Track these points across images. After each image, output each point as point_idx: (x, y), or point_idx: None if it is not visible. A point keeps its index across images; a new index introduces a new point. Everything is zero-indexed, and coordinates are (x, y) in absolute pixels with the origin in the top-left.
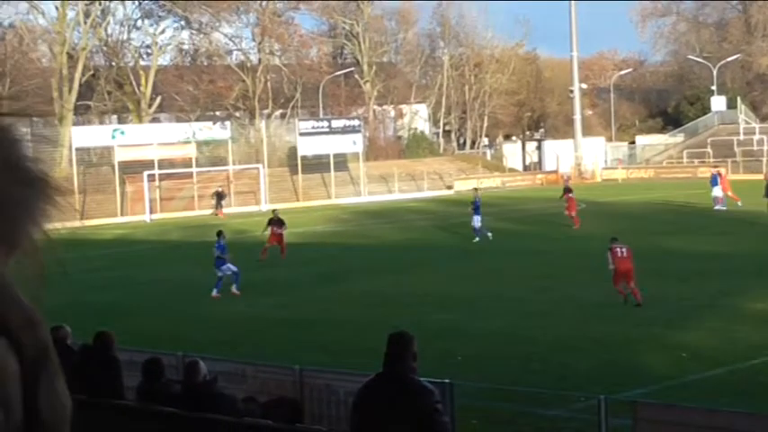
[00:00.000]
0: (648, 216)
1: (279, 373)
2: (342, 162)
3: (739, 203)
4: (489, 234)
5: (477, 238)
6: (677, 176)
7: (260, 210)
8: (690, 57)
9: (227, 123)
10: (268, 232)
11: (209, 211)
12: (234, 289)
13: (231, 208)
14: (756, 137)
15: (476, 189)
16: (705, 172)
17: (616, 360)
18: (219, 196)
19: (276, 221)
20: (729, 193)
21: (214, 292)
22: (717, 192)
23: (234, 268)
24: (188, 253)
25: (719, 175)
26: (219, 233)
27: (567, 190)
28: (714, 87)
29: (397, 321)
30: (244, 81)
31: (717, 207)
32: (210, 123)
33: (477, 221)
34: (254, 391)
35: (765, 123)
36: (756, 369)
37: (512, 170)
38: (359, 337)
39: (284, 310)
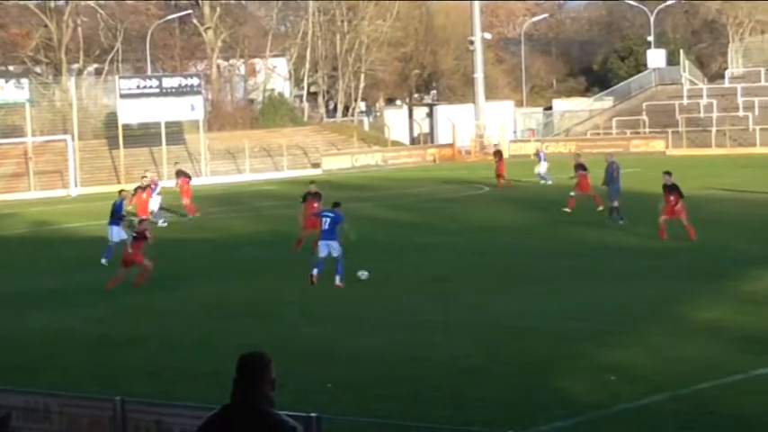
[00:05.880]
0: (566, 202)
1: (94, 406)
2: (176, 133)
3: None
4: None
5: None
6: (605, 151)
7: (68, 195)
8: None
9: (24, 81)
10: None
11: None
12: None
13: (29, 192)
14: (704, 101)
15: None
16: (639, 145)
17: (529, 385)
18: None
19: None
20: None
21: None
22: (542, 168)
23: None
24: None
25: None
26: None
27: (581, 167)
28: (651, 38)
29: (249, 338)
30: (46, 26)
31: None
32: (2, 81)
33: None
34: None
35: (715, 84)
36: (705, 396)
37: (396, 143)
38: (198, 358)
39: (100, 324)
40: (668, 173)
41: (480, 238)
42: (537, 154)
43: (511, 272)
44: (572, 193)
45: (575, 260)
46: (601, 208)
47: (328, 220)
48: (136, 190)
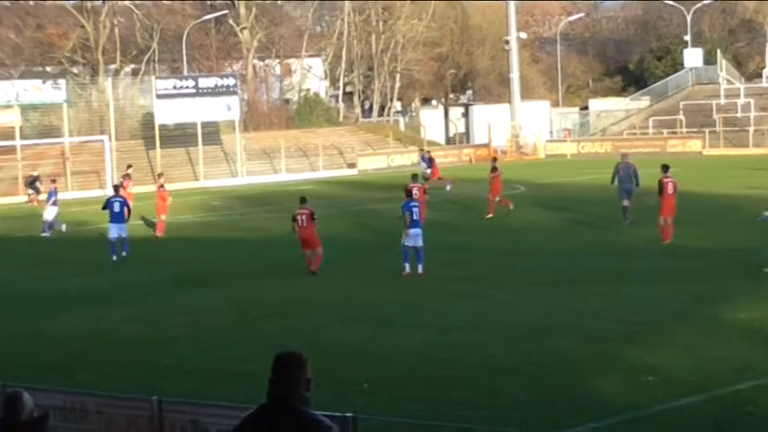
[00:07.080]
0: (607, 202)
1: (130, 406)
2: (213, 133)
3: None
4: None
5: None
6: (641, 151)
7: (106, 195)
8: None
9: (62, 82)
10: None
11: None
12: None
13: (66, 193)
14: (741, 100)
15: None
16: (676, 145)
17: (563, 386)
18: (33, 181)
19: None
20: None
21: None
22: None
23: None
24: (8, 251)
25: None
26: None
27: (494, 169)
28: (688, 38)
29: (284, 338)
30: (83, 27)
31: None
32: (39, 82)
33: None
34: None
35: (753, 83)
36: (742, 396)
37: (432, 143)
38: (235, 358)
39: (137, 324)
40: (665, 167)
41: (512, 238)
42: (422, 157)
43: (542, 272)
44: (490, 197)
45: (606, 260)
46: (490, 216)
47: (417, 210)
48: (123, 178)
